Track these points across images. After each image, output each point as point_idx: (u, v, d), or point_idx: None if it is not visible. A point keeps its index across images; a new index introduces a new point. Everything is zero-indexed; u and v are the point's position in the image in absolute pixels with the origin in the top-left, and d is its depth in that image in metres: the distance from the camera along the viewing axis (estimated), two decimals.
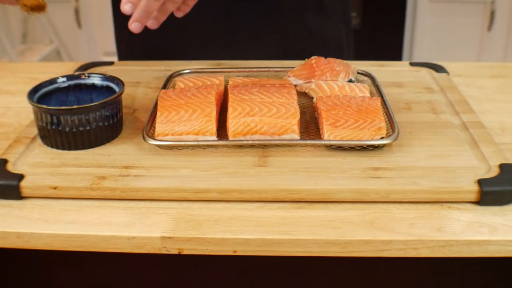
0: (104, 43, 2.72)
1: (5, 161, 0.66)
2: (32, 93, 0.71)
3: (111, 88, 0.75)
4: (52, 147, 0.70)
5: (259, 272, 0.76)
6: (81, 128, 0.68)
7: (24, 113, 0.81)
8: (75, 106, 0.69)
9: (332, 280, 0.77)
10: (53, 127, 0.68)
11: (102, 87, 0.76)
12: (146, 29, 0.74)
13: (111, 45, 2.59)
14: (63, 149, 0.69)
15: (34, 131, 0.73)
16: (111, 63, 0.98)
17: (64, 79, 0.75)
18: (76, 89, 0.76)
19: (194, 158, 0.67)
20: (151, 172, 0.64)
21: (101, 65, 0.96)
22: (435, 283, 0.77)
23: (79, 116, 0.68)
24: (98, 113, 0.69)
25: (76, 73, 0.77)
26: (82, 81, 0.76)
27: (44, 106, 0.68)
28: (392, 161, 0.66)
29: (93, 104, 0.68)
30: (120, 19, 1.06)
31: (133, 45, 1.07)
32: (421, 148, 0.69)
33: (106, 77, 0.76)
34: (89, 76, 0.76)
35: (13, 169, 0.65)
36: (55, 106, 0.73)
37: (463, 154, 0.67)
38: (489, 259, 0.58)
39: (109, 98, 0.69)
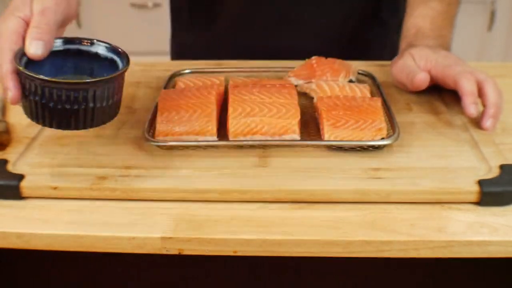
0: None
1: (5, 161, 0.66)
2: (20, 54, 0.60)
3: (115, 63, 0.65)
4: (31, 119, 0.61)
5: (260, 273, 0.76)
6: (67, 106, 0.58)
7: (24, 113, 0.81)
8: (60, 80, 0.59)
9: (333, 280, 0.77)
10: (36, 98, 0.59)
11: (106, 58, 0.65)
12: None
13: None
14: (43, 124, 0.61)
15: (34, 131, 0.73)
16: None
17: (60, 42, 0.64)
18: (76, 56, 0.65)
19: (194, 158, 0.67)
20: (152, 173, 0.64)
21: None
22: (435, 283, 0.77)
23: (66, 92, 0.58)
24: (83, 93, 0.58)
25: (78, 37, 0.66)
26: (83, 48, 0.65)
27: (24, 71, 0.58)
28: (393, 161, 0.66)
29: (78, 81, 0.59)
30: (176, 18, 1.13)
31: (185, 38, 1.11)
32: (422, 149, 0.68)
33: (112, 48, 0.65)
34: (92, 43, 0.65)
35: (13, 169, 0.65)
36: (48, 71, 0.63)
37: (464, 154, 0.67)
38: (489, 259, 0.58)
39: (101, 78, 0.59)
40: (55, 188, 0.62)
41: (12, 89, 0.59)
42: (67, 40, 0.65)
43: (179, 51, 1.17)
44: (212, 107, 0.70)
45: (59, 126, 0.61)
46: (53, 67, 0.64)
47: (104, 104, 0.60)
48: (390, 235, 0.57)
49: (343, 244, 0.57)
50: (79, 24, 2.73)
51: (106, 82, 0.59)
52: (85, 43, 0.66)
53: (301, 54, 0.92)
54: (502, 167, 0.64)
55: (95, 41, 0.66)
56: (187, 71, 0.88)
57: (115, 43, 0.69)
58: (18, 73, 0.59)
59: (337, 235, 0.57)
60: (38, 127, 0.74)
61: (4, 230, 0.59)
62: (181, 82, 0.82)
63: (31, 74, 0.57)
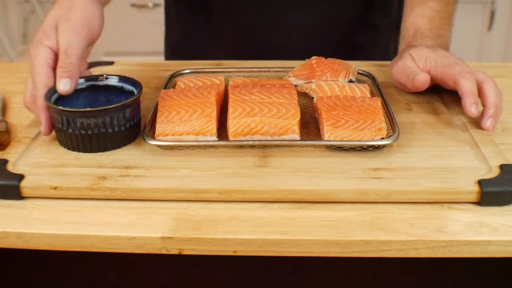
0: (104, 43, 2.72)
1: (5, 161, 0.66)
2: (51, 92, 0.69)
3: (133, 94, 0.72)
4: (64, 147, 0.70)
5: (259, 273, 0.76)
6: (83, 132, 0.67)
7: (24, 113, 0.81)
8: (78, 110, 0.67)
9: (332, 280, 0.77)
10: (61, 126, 0.68)
11: (129, 91, 0.73)
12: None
13: (111, 45, 2.60)
14: (73, 150, 0.69)
15: (35, 131, 0.73)
16: (111, 63, 0.98)
17: (82, 80, 0.74)
18: (107, 90, 0.75)
19: (195, 158, 0.67)
20: (152, 173, 0.64)
21: (101, 65, 0.96)
22: (435, 283, 0.77)
23: (82, 119, 0.66)
24: (105, 118, 0.67)
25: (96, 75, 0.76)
26: (110, 83, 0.75)
27: (51, 105, 0.67)
28: (393, 161, 0.66)
29: (94, 109, 0.67)
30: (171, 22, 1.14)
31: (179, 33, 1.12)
32: (422, 149, 0.69)
33: (126, 80, 0.74)
34: (106, 78, 0.75)
35: (14, 169, 0.65)
36: (82, 105, 0.73)
37: (464, 154, 0.67)
38: (489, 259, 0.58)
39: (106, 107, 0.67)
40: (55, 188, 0.63)
41: (43, 123, 0.69)
42: (90, 78, 0.75)
43: (169, 47, 1.17)
44: (212, 107, 0.70)
45: (78, 149, 0.69)
46: (87, 101, 0.74)
47: (117, 129, 0.68)
48: (390, 235, 0.57)
49: (343, 244, 0.57)
50: None
51: (112, 111, 0.67)
52: (101, 78, 0.75)
53: (290, 53, 0.93)
54: (502, 167, 0.64)
55: (105, 75, 0.75)
56: (187, 71, 0.88)
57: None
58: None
59: (336, 235, 0.57)
60: (38, 127, 0.74)
61: (4, 230, 0.59)
62: (181, 82, 0.82)
63: (52, 106, 0.67)
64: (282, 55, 0.97)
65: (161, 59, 1.24)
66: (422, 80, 0.77)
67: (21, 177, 0.63)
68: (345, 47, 1.05)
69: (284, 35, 1.03)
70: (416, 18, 0.88)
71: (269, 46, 1.03)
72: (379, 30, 1.09)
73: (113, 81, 0.75)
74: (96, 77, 0.75)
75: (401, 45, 0.89)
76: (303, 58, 0.88)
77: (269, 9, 1.01)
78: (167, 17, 1.15)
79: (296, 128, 0.68)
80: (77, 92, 0.73)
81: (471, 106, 0.71)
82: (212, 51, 1.06)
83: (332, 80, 0.81)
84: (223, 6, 1.03)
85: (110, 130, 0.68)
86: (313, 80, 0.82)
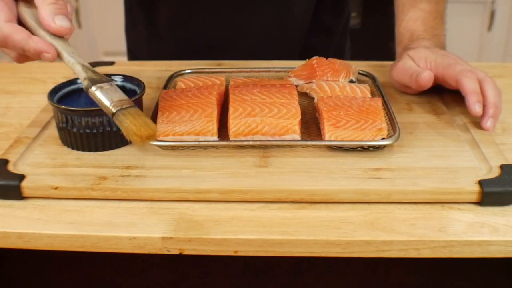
0: (104, 43, 2.72)
1: (6, 161, 0.66)
2: (54, 92, 0.71)
3: (136, 93, 0.73)
4: (67, 146, 0.69)
5: (260, 273, 0.76)
6: (88, 131, 0.67)
7: (25, 113, 0.81)
8: (75, 108, 0.67)
9: (333, 280, 0.77)
10: (64, 125, 0.68)
11: (130, 90, 0.74)
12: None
13: (111, 45, 2.60)
14: (77, 149, 0.69)
15: (35, 131, 0.73)
16: (112, 63, 0.98)
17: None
18: None
19: (195, 158, 0.67)
20: (152, 173, 0.64)
21: (101, 65, 0.96)
22: (435, 283, 0.77)
23: (86, 118, 0.67)
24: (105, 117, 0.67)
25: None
26: (114, 83, 0.74)
27: (55, 105, 0.68)
28: (393, 161, 0.66)
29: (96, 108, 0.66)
30: (132, 20, 1.12)
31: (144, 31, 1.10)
32: (422, 149, 0.69)
33: (130, 79, 0.75)
34: (111, 77, 0.74)
35: (14, 169, 0.65)
36: (85, 104, 0.72)
37: (464, 154, 0.67)
38: (490, 259, 0.58)
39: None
40: (56, 188, 0.62)
41: (45, 47, 0.61)
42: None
43: (128, 48, 1.17)
44: (213, 107, 0.70)
45: (82, 148, 0.68)
46: (88, 100, 0.70)
47: (115, 129, 0.67)
48: (391, 235, 0.57)
49: (344, 244, 0.57)
50: (79, 24, 2.73)
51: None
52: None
53: (242, 54, 0.93)
54: (502, 167, 0.64)
55: (111, 76, 0.74)
56: (187, 71, 0.88)
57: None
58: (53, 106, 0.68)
59: (337, 235, 0.57)
60: (39, 127, 0.75)
61: (5, 230, 0.59)
62: (181, 82, 0.82)
63: (56, 105, 0.67)
64: (234, 55, 0.97)
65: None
66: (427, 78, 0.77)
67: (21, 177, 0.63)
68: (298, 49, 1.05)
69: (235, 36, 1.02)
70: (409, 22, 0.87)
71: (220, 46, 1.03)
72: (332, 32, 1.09)
73: (116, 81, 0.74)
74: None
75: (398, 49, 0.89)
76: (254, 59, 0.89)
77: (221, 8, 1.01)
78: (127, 18, 1.14)
79: (297, 128, 0.68)
80: (78, 92, 0.73)
81: (475, 105, 0.71)
82: (163, 51, 1.06)
83: (333, 80, 0.81)
84: (174, 5, 1.03)
85: (114, 129, 0.67)
86: (313, 80, 0.82)
